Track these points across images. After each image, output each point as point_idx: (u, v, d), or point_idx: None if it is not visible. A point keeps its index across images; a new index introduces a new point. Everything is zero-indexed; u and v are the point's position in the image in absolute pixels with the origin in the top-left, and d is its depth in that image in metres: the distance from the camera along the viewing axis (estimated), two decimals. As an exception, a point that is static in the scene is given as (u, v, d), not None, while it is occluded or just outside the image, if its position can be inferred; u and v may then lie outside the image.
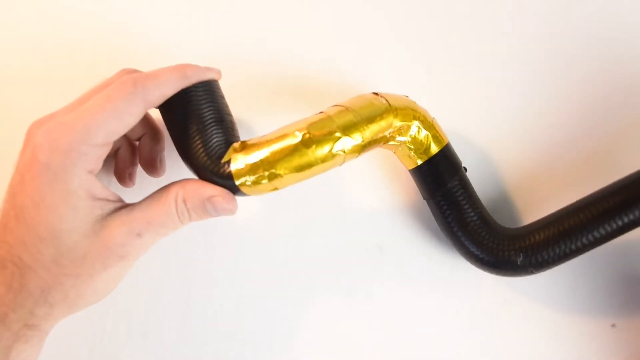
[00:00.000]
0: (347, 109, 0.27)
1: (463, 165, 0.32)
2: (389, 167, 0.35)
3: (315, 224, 0.35)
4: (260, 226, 0.35)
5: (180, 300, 0.35)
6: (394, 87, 0.35)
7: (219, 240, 0.35)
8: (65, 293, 0.25)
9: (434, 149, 0.30)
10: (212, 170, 0.27)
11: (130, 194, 0.31)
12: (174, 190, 0.27)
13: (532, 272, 0.30)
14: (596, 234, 0.28)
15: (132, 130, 0.31)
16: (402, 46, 0.36)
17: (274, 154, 0.26)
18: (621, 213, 0.28)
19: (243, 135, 0.29)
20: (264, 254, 0.35)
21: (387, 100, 0.29)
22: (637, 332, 0.34)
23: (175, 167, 0.34)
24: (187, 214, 0.27)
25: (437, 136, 0.30)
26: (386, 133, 0.28)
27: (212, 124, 0.27)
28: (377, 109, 0.28)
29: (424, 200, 0.33)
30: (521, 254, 0.30)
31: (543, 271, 0.30)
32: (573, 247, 0.29)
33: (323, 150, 0.26)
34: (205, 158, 0.27)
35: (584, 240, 0.28)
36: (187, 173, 0.28)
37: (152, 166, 0.32)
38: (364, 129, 0.27)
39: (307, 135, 0.26)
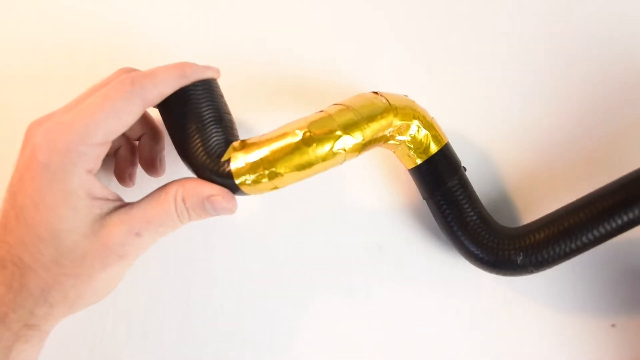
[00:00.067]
0: (347, 108, 0.27)
1: (462, 164, 0.32)
2: (388, 167, 0.35)
3: (315, 223, 0.35)
4: (260, 225, 0.35)
5: (180, 300, 0.35)
6: (393, 86, 0.35)
7: (218, 240, 0.35)
8: (65, 293, 0.25)
9: (434, 149, 0.30)
10: (211, 169, 0.27)
11: (130, 194, 0.31)
12: (173, 189, 0.26)
13: (532, 272, 0.30)
14: (596, 232, 0.28)
15: (132, 130, 0.31)
16: (402, 46, 0.36)
17: (274, 152, 0.26)
18: (621, 211, 0.28)
19: (243, 135, 0.29)
20: (264, 254, 0.35)
21: (387, 100, 0.29)
22: (637, 332, 0.34)
23: (174, 167, 0.34)
24: (186, 213, 0.27)
25: (436, 136, 0.30)
26: (386, 132, 0.28)
27: (211, 123, 0.27)
28: (378, 108, 0.28)
29: (424, 200, 0.33)
30: (521, 254, 0.30)
31: (543, 270, 0.30)
32: (573, 246, 0.29)
33: (324, 148, 0.26)
34: (205, 157, 0.27)
35: (584, 239, 0.28)
36: (187, 172, 0.28)
37: (152, 166, 0.32)
38: (365, 128, 0.27)
39: (308, 134, 0.26)
